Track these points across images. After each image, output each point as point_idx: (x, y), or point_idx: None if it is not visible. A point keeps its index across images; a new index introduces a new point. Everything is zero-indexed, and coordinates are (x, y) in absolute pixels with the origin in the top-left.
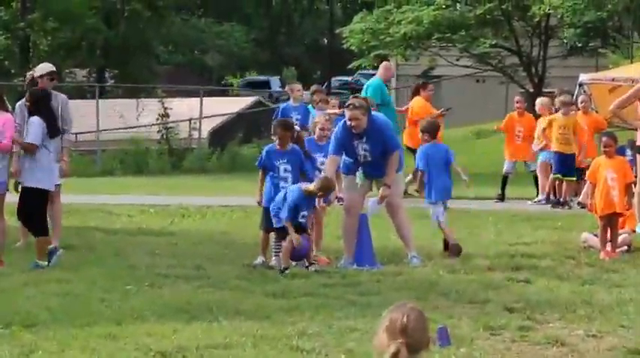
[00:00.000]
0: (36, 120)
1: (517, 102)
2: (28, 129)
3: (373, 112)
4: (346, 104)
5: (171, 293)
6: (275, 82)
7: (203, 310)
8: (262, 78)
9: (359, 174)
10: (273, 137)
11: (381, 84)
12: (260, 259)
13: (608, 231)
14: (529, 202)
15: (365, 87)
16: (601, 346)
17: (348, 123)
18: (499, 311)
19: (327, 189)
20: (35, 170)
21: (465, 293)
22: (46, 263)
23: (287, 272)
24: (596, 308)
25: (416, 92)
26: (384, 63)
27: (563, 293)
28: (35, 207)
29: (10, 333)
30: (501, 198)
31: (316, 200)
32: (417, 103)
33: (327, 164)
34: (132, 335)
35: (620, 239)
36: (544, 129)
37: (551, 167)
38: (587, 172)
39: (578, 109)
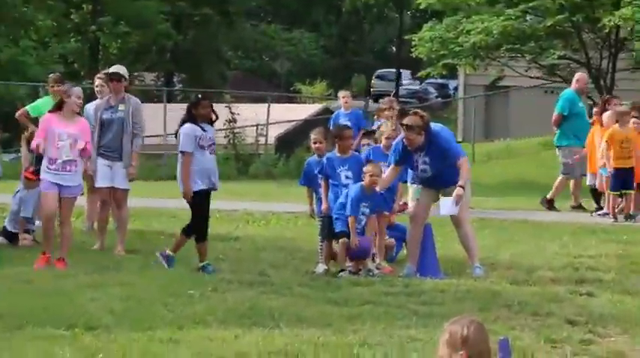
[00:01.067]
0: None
1: (596, 115)
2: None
3: (433, 126)
4: (401, 123)
5: (234, 299)
6: (453, 83)
7: (265, 316)
8: (440, 80)
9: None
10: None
11: (573, 95)
12: (322, 267)
13: None
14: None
15: (558, 98)
16: None
17: (404, 141)
18: (561, 323)
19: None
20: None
21: (528, 305)
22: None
23: (342, 274)
24: None
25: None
26: (578, 74)
27: (627, 308)
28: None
29: (72, 335)
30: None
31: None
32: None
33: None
34: (193, 340)
35: None
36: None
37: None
38: None
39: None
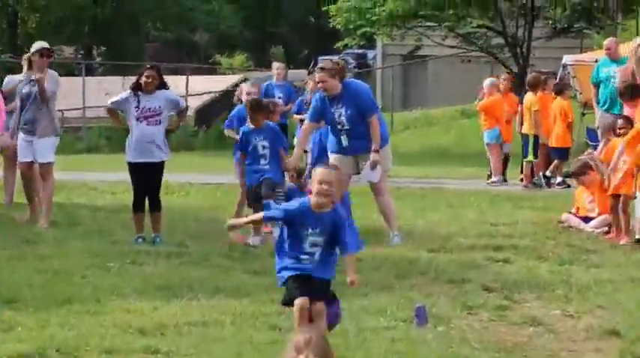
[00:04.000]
0: None
1: (504, 80)
2: None
3: (351, 79)
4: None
5: (152, 271)
6: (371, 53)
7: (183, 287)
8: (359, 51)
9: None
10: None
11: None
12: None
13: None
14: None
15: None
16: (578, 326)
17: (319, 85)
18: (477, 290)
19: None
20: None
21: (444, 272)
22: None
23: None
24: (574, 288)
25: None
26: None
27: (542, 273)
28: None
29: None
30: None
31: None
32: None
33: (301, 131)
34: (111, 311)
35: (601, 219)
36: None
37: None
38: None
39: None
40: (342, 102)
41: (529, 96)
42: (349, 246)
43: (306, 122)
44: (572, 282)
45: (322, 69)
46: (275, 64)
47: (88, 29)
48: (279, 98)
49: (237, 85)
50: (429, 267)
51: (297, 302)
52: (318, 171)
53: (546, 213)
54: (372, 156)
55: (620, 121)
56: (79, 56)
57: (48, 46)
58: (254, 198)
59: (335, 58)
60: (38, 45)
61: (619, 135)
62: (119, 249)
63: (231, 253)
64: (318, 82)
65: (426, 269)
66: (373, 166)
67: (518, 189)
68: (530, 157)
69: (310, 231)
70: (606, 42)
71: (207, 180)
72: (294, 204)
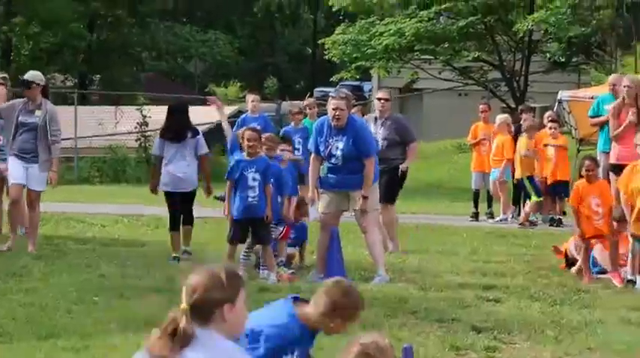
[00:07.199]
0: None
1: (482, 112)
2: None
3: (353, 114)
4: (333, 93)
5: (139, 305)
6: (367, 86)
7: None
8: (355, 83)
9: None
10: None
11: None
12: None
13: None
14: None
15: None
16: None
17: (331, 113)
18: (467, 330)
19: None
20: None
21: (434, 311)
22: None
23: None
24: (565, 329)
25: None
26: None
27: (533, 314)
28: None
29: None
30: (475, 215)
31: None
32: None
33: (311, 164)
34: (97, 347)
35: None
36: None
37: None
38: (570, 197)
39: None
40: (343, 136)
41: (522, 141)
42: None
43: (312, 156)
44: (563, 323)
45: (342, 97)
46: (250, 96)
47: (82, 58)
48: None
49: (231, 117)
50: (419, 306)
51: None
52: None
53: (540, 251)
54: (361, 202)
55: (587, 162)
56: (72, 84)
57: (27, 78)
58: (233, 235)
59: (344, 90)
60: (26, 76)
61: (585, 177)
62: (106, 283)
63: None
64: (334, 109)
65: (416, 307)
66: (362, 212)
67: (512, 226)
68: (535, 197)
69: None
70: (611, 78)
71: (198, 213)
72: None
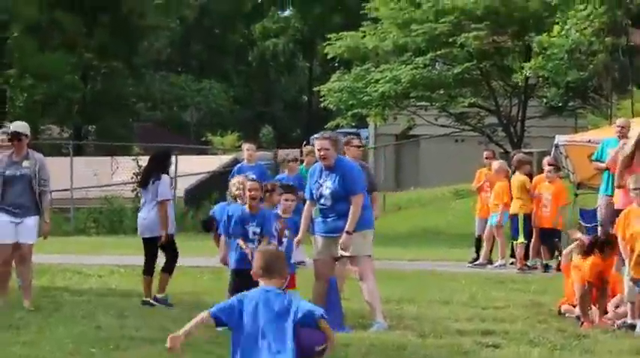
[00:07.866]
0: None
1: (487, 158)
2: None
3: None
4: (317, 135)
5: (136, 357)
6: (364, 133)
7: None
8: (351, 130)
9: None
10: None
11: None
12: None
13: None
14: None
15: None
16: None
17: (317, 154)
18: None
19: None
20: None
21: None
22: None
23: None
24: None
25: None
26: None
27: None
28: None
29: None
30: (475, 260)
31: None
32: None
33: (304, 211)
34: None
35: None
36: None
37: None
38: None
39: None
40: (331, 176)
41: (517, 176)
42: None
43: (307, 203)
44: None
45: (325, 138)
46: (245, 145)
47: (76, 109)
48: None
49: (227, 166)
50: (418, 353)
51: None
52: None
53: (539, 296)
54: (343, 237)
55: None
56: (67, 135)
57: (17, 130)
58: (234, 287)
59: (328, 131)
60: (13, 127)
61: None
62: (103, 335)
63: (217, 339)
64: (319, 149)
65: (415, 355)
66: (344, 248)
67: (511, 272)
68: (521, 239)
69: None
70: (620, 121)
71: (193, 262)
72: None
